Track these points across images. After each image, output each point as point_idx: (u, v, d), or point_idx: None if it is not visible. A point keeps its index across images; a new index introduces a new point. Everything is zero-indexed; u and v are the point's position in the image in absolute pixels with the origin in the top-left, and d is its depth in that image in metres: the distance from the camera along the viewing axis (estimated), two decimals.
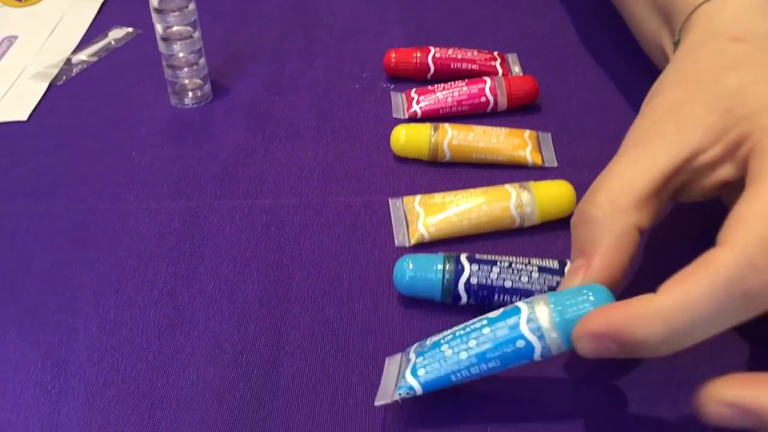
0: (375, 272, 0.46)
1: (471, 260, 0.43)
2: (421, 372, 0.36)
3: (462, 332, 0.36)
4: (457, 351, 0.36)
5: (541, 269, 0.42)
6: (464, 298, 0.42)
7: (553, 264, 0.43)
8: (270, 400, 0.39)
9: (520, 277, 0.42)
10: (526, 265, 0.43)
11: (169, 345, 0.42)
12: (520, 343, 0.35)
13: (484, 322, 0.36)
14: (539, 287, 0.42)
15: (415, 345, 0.39)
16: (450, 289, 0.42)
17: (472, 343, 0.35)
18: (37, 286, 0.46)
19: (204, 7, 0.63)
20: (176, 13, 0.59)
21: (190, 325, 0.43)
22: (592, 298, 0.34)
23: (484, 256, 0.43)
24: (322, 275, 0.46)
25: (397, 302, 0.44)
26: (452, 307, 0.43)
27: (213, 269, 0.47)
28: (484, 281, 0.42)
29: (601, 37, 0.70)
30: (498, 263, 0.43)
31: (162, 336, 0.42)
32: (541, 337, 0.35)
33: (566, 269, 0.43)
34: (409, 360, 0.37)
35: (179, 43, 0.61)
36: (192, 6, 0.60)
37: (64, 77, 0.68)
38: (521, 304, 0.36)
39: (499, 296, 0.42)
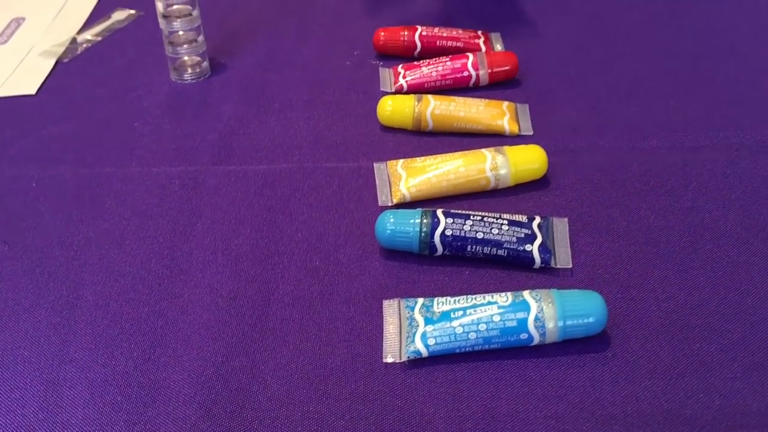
0: (359, 228, 0.49)
1: (446, 214, 0.46)
2: (431, 342, 0.40)
3: (473, 312, 0.40)
4: (467, 331, 0.40)
5: (511, 222, 0.46)
6: (440, 249, 0.46)
7: (522, 218, 0.47)
8: (260, 338, 0.42)
9: (491, 229, 0.46)
10: (497, 219, 0.46)
11: (167, 292, 0.45)
12: (524, 336, 0.40)
13: (495, 309, 0.40)
14: (509, 238, 0.45)
15: (418, 303, 0.42)
16: (426, 240, 0.46)
17: (482, 327, 0.40)
18: (47, 241, 0.50)
19: None
20: None
21: (187, 274, 0.47)
22: (590, 305, 0.40)
23: (459, 211, 0.47)
24: (310, 231, 0.49)
25: (378, 254, 0.47)
26: (429, 258, 0.47)
27: (209, 226, 0.50)
28: (458, 233, 0.45)
29: (583, 17, 0.73)
30: (471, 217, 0.46)
31: (162, 284, 0.46)
32: (543, 334, 0.40)
33: (534, 224, 0.46)
34: (415, 322, 0.41)
35: (179, 20, 0.64)
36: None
37: (69, 55, 0.71)
38: (530, 299, 0.40)
39: (471, 247, 0.46)
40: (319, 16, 0.76)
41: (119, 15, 0.78)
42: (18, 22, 0.78)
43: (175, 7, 0.64)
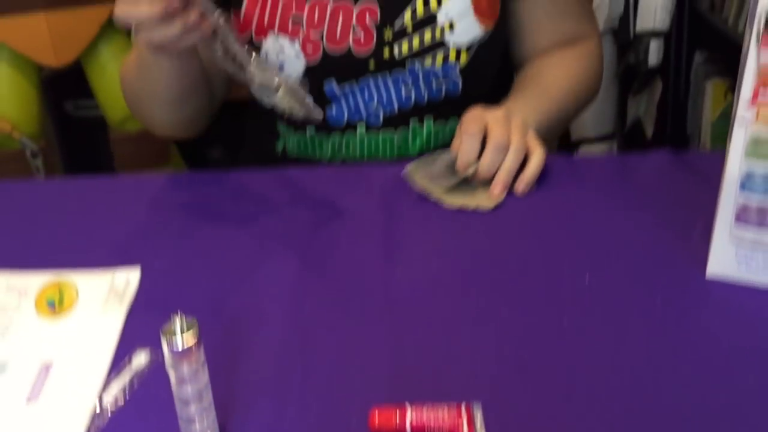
0: None
1: None
2: None
3: None
4: None
5: None
6: None
7: None
8: None
9: None
10: None
11: None
12: None
13: None
14: None
15: None
16: None
17: None
18: None
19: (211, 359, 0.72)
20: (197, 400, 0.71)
21: None
22: None
23: None
24: None
25: None
26: None
27: None
28: None
29: (556, 385, 0.81)
30: None
31: None
32: None
33: None
34: None
35: (194, 403, 0.72)
36: (206, 379, 0.71)
37: (96, 426, 0.79)
38: None
39: None
40: (316, 375, 0.83)
41: (139, 359, 0.86)
42: (47, 368, 0.86)
43: (189, 389, 0.72)
